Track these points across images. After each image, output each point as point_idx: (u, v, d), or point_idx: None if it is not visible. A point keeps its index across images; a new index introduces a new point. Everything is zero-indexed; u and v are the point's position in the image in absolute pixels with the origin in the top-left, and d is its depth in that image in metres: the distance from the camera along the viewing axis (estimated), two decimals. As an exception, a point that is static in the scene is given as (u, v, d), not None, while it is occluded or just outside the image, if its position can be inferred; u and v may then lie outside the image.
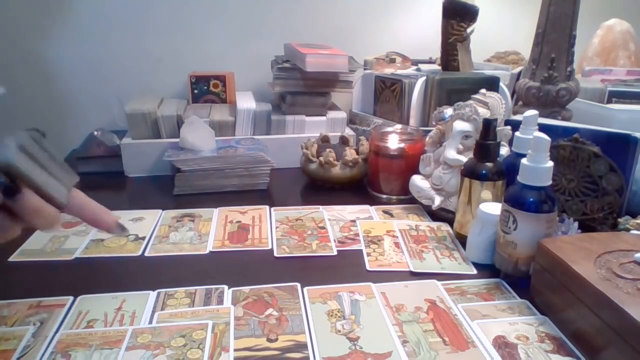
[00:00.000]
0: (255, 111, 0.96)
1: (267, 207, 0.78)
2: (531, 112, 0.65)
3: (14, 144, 0.37)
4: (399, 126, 0.88)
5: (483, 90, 0.76)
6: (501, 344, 0.47)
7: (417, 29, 1.27)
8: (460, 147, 0.70)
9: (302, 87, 0.98)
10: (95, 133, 0.99)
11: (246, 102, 0.98)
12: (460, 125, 0.70)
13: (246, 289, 0.56)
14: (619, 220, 0.64)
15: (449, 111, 0.72)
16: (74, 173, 0.43)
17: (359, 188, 0.87)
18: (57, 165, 0.41)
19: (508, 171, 0.64)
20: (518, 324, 0.50)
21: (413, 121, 0.93)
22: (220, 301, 0.54)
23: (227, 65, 1.17)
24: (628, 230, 0.61)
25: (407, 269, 0.61)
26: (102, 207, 0.44)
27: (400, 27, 1.27)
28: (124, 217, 0.74)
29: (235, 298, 0.54)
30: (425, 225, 0.73)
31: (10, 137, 0.37)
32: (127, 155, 0.92)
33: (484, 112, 0.71)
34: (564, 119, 0.86)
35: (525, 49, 1.05)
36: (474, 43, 1.03)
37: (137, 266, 0.62)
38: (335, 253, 0.65)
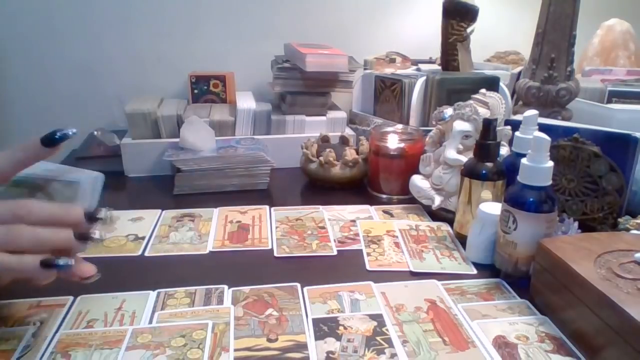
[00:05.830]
0: (255, 111, 0.96)
1: (267, 207, 0.78)
2: (531, 112, 0.65)
3: None
4: (399, 126, 0.88)
5: (483, 90, 0.76)
6: (501, 344, 0.47)
7: (417, 29, 1.27)
8: (460, 147, 0.70)
9: (302, 87, 0.98)
10: (95, 133, 0.99)
11: (246, 102, 0.98)
12: (460, 125, 0.70)
13: (246, 289, 0.56)
14: (619, 220, 0.64)
15: (449, 111, 0.72)
16: None
17: (359, 188, 0.86)
18: None
19: (508, 171, 0.64)
20: (518, 324, 0.50)
21: (413, 121, 0.93)
22: (220, 301, 0.54)
23: (227, 65, 1.17)
24: (628, 230, 0.61)
25: (407, 269, 0.61)
26: None
27: (400, 27, 1.27)
28: (124, 216, 0.74)
29: (235, 298, 0.54)
30: (425, 225, 0.73)
31: None
32: (127, 155, 0.92)
33: (484, 112, 0.71)
34: (564, 119, 0.86)
35: (525, 49, 1.05)
36: (474, 43, 1.03)
37: (137, 266, 0.62)
38: (335, 253, 0.65)
